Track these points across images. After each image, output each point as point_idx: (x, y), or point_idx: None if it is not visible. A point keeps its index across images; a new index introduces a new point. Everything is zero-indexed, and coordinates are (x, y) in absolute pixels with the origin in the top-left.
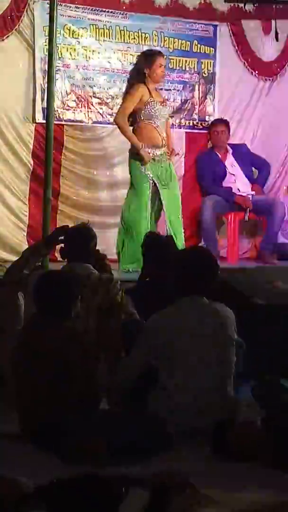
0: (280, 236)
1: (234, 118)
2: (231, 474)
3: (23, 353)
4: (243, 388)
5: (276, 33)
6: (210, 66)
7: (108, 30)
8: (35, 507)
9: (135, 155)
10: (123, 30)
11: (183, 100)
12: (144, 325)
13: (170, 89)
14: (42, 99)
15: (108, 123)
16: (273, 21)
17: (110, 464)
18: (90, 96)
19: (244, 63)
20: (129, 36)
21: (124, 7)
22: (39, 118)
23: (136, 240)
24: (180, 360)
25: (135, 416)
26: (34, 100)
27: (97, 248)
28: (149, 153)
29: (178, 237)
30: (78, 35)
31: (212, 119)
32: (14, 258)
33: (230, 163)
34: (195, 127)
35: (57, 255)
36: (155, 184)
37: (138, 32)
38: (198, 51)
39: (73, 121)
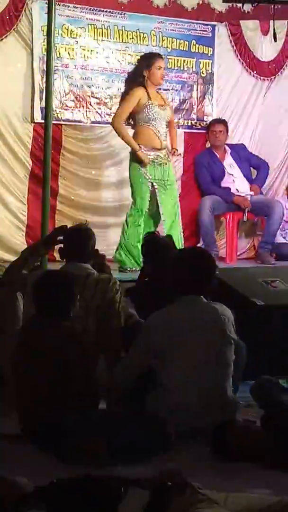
0: (278, 236)
1: (233, 118)
2: (230, 474)
3: (22, 353)
4: (242, 388)
5: (274, 33)
6: (209, 66)
7: (107, 30)
8: (35, 507)
9: (134, 157)
10: (122, 30)
11: (181, 100)
12: (143, 325)
13: (168, 89)
14: (41, 99)
15: (107, 123)
16: (271, 21)
17: (110, 464)
18: (89, 96)
19: (243, 63)
20: (127, 36)
21: (122, 7)
22: (38, 118)
23: (131, 241)
24: (179, 360)
25: (134, 416)
26: (32, 100)
27: (96, 248)
28: (148, 155)
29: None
30: (76, 35)
31: (210, 119)
32: (13, 258)
33: (229, 163)
34: (194, 127)
35: (56, 255)
36: (153, 186)
37: (136, 32)
38: (197, 51)
39: (71, 121)
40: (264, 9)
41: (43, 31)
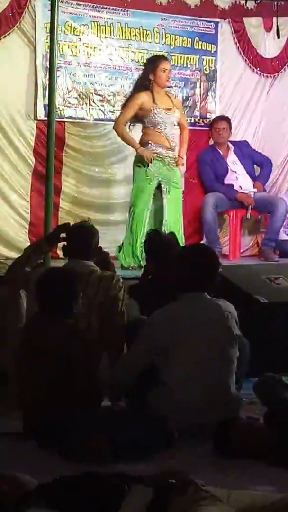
0: (282, 233)
1: (236, 115)
2: (233, 471)
3: (25, 351)
4: (245, 385)
5: (278, 30)
6: (212, 63)
7: (110, 27)
8: (38, 504)
9: (138, 157)
10: (125, 27)
11: (184, 97)
12: (146, 321)
13: (171, 86)
14: (44, 96)
15: (110, 120)
16: (274, 18)
17: (112, 461)
18: (92, 93)
19: (246, 60)
20: (130, 33)
21: (125, 4)
22: (41, 115)
23: (135, 238)
24: (182, 357)
25: (137, 414)
26: (35, 97)
27: (99, 245)
28: (155, 151)
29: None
30: (80, 32)
31: (213, 116)
32: (16, 255)
33: (232, 160)
34: (197, 124)
35: (59, 252)
36: (159, 184)
37: (139, 29)
38: (200, 48)
39: (74, 118)
40: (267, 6)
41: (46, 28)
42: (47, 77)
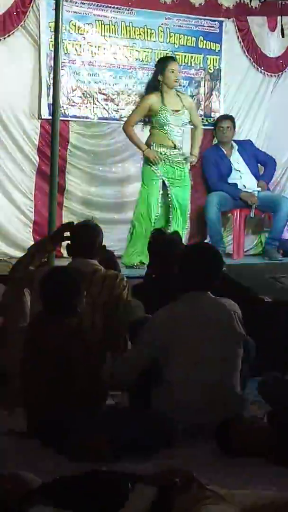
0: (285, 232)
1: (240, 114)
2: (236, 471)
3: (29, 350)
4: (249, 384)
5: (282, 29)
6: (216, 62)
7: (114, 26)
8: (41, 503)
9: (146, 158)
10: (129, 26)
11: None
12: (150, 320)
13: (182, 86)
14: (48, 95)
15: (114, 119)
16: (278, 17)
17: (115, 460)
18: (96, 92)
19: (250, 59)
20: (134, 32)
21: (129, 3)
22: (45, 114)
23: (140, 236)
24: (184, 356)
25: (139, 413)
26: (39, 96)
27: (103, 244)
28: (160, 152)
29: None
30: (84, 31)
31: (217, 115)
32: (20, 254)
33: (236, 159)
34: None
35: (63, 251)
36: (165, 183)
37: (143, 28)
38: (204, 47)
39: (78, 117)
40: (271, 5)
41: (50, 27)
42: (51, 76)
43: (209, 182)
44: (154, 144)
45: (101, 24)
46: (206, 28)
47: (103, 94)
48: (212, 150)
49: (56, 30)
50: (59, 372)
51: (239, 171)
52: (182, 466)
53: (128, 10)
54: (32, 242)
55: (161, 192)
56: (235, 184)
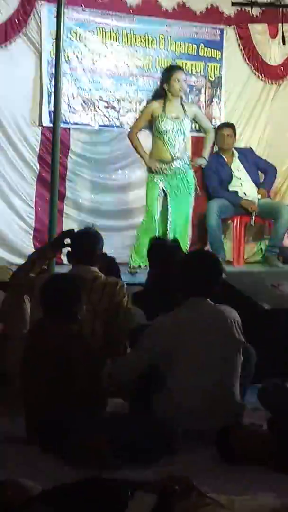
0: (286, 239)
1: (240, 121)
2: (236, 477)
3: (29, 357)
4: (249, 391)
5: (283, 37)
6: (217, 70)
7: (115, 33)
8: (40, 510)
9: (148, 168)
10: (130, 33)
11: None
12: (150, 326)
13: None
14: (49, 102)
15: (114, 127)
16: (279, 25)
17: (115, 467)
18: (97, 100)
19: (251, 66)
20: (135, 40)
21: (131, 11)
22: (46, 121)
23: (142, 240)
24: (185, 362)
25: (140, 419)
26: (40, 103)
27: (103, 251)
28: (158, 167)
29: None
30: (85, 38)
31: (218, 122)
32: (20, 261)
33: (236, 166)
34: (201, 130)
35: (64, 258)
36: (164, 192)
37: (145, 36)
38: (205, 54)
39: (79, 124)
40: (272, 13)
41: (51, 34)
42: (52, 83)
43: (209, 189)
44: (153, 159)
45: (102, 31)
46: (207, 35)
47: (104, 101)
48: (213, 158)
49: (58, 37)
50: (59, 373)
51: (240, 178)
52: (182, 473)
53: (129, 17)
54: (33, 249)
55: (160, 201)
56: (236, 192)
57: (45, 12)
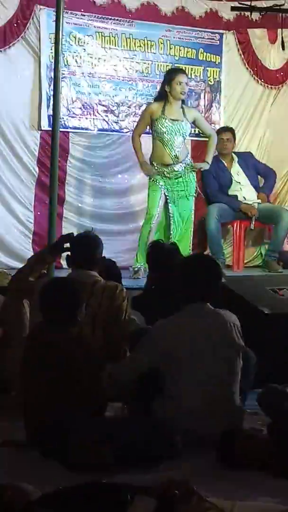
0: (286, 244)
1: (240, 126)
2: (236, 482)
3: (29, 361)
4: (249, 396)
5: (282, 42)
6: (216, 74)
7: (114, 37)
8: None
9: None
10: (129, 38)
11: None
12: (151, 330)
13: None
14: (48, 107)
15: (113, 131)
16: (279, 30)
17: (116, 471)
18: (96, 104)
19: (250, 71)
20: (135, 44)
21: (130, 15)
22: (45, 125)
23: (143, 242)
24: (185, 367)
25: (140, 423)
26: (39, 108)
27: (103, 255)
28: (158, 170)
29: (184, 247)
30: (84, 42)
31: (218, 127)
32: (20, 265)
33: (236, 171)
34: (201, 134)
35: (63, 262)
36: (165, 196)
37: (144, 40)
38: (204, 59)
39: (78, 128)
40: (272, 18)
41: (50, 38)
42: (51, 87)
43: (209, 194)
44: (154, 163)
45: (101, 36)
46: (207, 40)
47: (103, 105)
48: (212, 162)
49: (57, 41)
50: (59, 375)
51: (239, 183)
52: (182, 477)
53: (128, 22)
54: (32, 253)
55: (160, 204)
56: (235, 196)
57: (44, 17)
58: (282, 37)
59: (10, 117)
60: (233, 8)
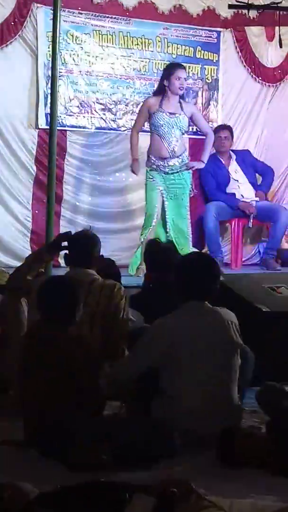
0: (283, 242)
1: (238, 124)
2: (235, 480)
3: (27, 359)
4: (248, 394)
5: (280, 40)
6: (214, 72)
7: (111, 36)
8: None
9: (147, 164)
10: (127, 36)
11: None
12: (149, 328)
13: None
14: (45, 105)
15: (111, 129)
16: (276, 28)
17: (115, 470)
18: (93, 102)
19: (248, 69)
20: (132, 42)
21: (127, 13)
22: (42, 124)
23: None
24: (184, 366)
25: (139, 422)
26: (37, 106)
27: (101, 254)
28: (157, 164)
29: (183, 245)
30: (81, 41)
31: (215, 125)
32: (17, 264)
33: (234, 169)
34: (199, 132)
35: (61, 261)
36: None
37: (141, 38)
38: (202, 57)
39: (76, 127)
40: (269, 16)
41: (48, 37)
42: (49, 85)
43: (207, 192)
44: (151, 156)
45: (99, 34)
46: (204, 38)
47: (101, 103)
48: (210, 160)
49: (54, 40)
50: (58, 374)
51: (237, 180)
52: (181, 476)
53: (125, 20)
54: (30, 252)
55: (159, 202)
56: (233, 194)
57: (41, 15)
58: (279, 35)
59: (8, 116)
60: (230, 6)
